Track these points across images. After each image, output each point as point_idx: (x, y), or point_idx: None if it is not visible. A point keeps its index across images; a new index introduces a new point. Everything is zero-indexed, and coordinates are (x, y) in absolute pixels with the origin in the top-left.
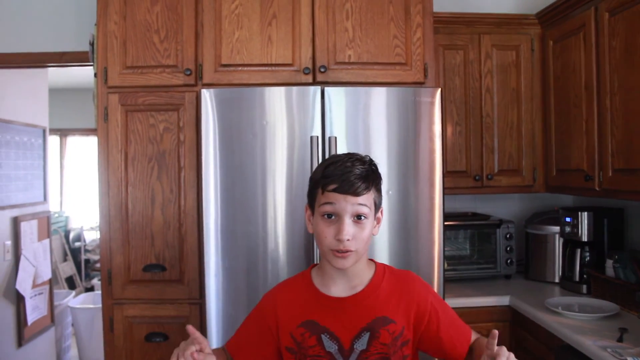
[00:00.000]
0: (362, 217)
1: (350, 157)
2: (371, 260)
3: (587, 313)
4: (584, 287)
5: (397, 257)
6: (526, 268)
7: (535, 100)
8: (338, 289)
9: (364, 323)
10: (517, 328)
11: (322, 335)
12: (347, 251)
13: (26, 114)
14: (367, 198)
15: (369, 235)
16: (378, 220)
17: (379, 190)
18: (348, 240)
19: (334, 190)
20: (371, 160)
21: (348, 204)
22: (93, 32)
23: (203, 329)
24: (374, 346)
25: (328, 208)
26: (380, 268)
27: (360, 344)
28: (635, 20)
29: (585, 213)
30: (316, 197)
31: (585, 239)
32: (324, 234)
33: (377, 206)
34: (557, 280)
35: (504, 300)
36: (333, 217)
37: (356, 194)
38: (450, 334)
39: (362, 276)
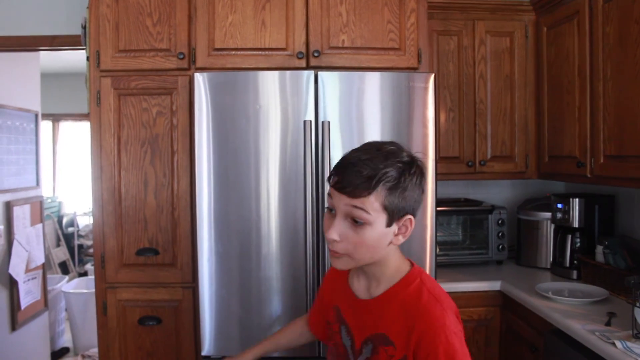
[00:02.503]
0: (359, 222)
1: (368, 149)
2: (412, 268)
3: (577, 298)
4: (575, 272)
5: None
6: (518, 254)
7: (528, 87)
8: (360, 287)
9: (368, 333)
10: (507, 313)
11: (342, 326)
12: (335, 252)
13: (18, 99)
14: (368, 202)
15: (373, 243)
16: (401, 231)
17: (401, 195)
18: (335, 240)
19: (333, 185)
20: (399, 159)
21: (341, 203)
22: (85, 15)
23: (196, 312)
24: None
25: (329, 200)
26: (408, 279)
27: (367, 351)
28: (628, 7)
29: (577, 199)
30: None
31: (576, 225)
32: (324, 226)
33: (397, 212)
34: (548, 266)
35: (495, 285)
36: (333, 212)
37: (351, 194)
38: None
39: (380, 281)
